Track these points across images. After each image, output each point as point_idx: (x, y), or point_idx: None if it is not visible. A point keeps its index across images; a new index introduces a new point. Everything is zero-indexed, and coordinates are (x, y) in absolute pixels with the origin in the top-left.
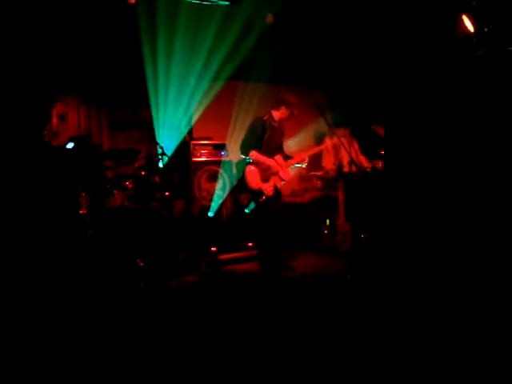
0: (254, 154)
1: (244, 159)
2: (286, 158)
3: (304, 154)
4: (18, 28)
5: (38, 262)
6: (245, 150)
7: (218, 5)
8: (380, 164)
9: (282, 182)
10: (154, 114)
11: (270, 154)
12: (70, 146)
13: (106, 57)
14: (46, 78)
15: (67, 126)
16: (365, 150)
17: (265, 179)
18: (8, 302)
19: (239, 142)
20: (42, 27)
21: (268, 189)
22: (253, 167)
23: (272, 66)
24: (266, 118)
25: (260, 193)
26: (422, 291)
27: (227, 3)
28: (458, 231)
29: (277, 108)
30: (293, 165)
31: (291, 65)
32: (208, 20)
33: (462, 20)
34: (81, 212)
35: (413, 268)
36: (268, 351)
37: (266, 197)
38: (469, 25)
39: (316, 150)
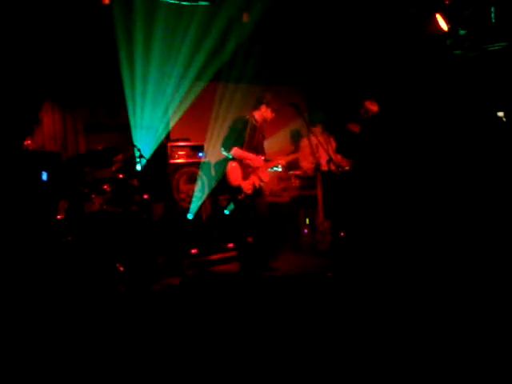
0: (236, 151)
1: (224, 159)
2: (266, 160)
3: (282, 159)
4: None
5: (15, 269)
6: (227, 146)
7: (198, 5)
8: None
9: (261, 183)
10: (131, 116)
11: (251, 151)
12: (44, 177)
13: (81, 58)
14: (32, 81)
15: (42, 130)
16: (341, 149)
17: (245, 177)
18: None
19: (218, 144)
20: (17, 30)
21: (247, 186)
22: (234, 164)
23: (251, 67)
24: (247, 117)
25: (239, 190)
26: (403, 287)
27: (207, 3)
28: (435, 225)
29: (258, 108)
30: (271, 168)
31: (270, 65)
32: (187, 21)
33: (436, 19)
34: (58, 217)
35: (393, 264)
36: (251, 352)
37: (245, 195)
38: (443, 24)
39: (294, 156)
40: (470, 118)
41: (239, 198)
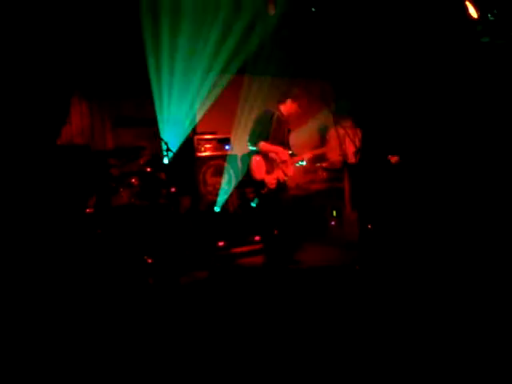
0: (262, 145)
1: (249, 152)
2: (291, 155)
3: (308, 154)
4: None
5: (45, 262)
6: (253, 140)
7: None
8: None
9: (286, 178)
10: (157, 109)
11: (276, 145)
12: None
13: (108, 52)
14: (62, 74)
15: (69, 125)
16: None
17: (269, 171)
18: (13, 301)
19: (244, 136)
20: (43, 23)
21: (271, 181)
22: (258, 158)
23: (277, 59)
24: (273, 110)
25: (263, 184)
26: (429, 282)
27: None
28: (464, 224)
29: (283, 102)
30: (296, 162)
31: (296, 57)
32: (213, 13)
33: (466, 6)
34: (87, 211)
35: (418, 258)
36: (276, 345)
37: (268, 189)
38: (472, 11)
39: (321, 150)
40: (496, 108)
41: (262, 192)
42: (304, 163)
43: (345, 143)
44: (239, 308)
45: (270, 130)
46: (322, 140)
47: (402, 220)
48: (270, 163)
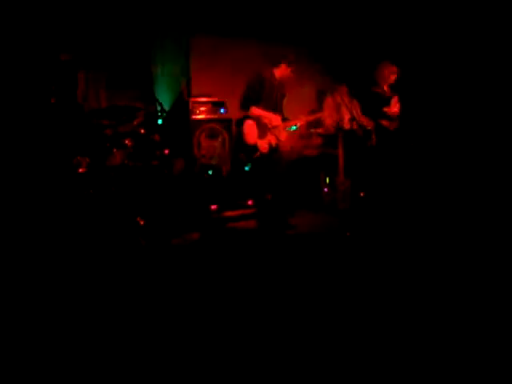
0: (254, 109)
1: (243, 117)
2: (284, 119)
3: (301, 119)
4: None
5: (36, 223)
6: (244, 105)
7: None
8: (385, 122)
9: (278, 142)
10: (152, 70)
11: (268, 109)
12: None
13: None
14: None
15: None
16: (366, 111)
17: (261, 136)
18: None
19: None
20: None
21: (263, 145)
22: (250, 121)
23: (276, 24)
24: (266, 74)
25: (255, 148)
26: (421, 251)
27: None
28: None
29: (278, 65)
30: (288, 127)
31: (291, 22)
32: None
33: None
34: (80, 171)
35: (411, 227)
36: (268, 314)
37: (261, 154)
38: None
39: (315, 115)
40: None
41: (255, 156)
42: (295, 128)
43: (341, 110)
44: (231, 272)
45: (261, 94)
46: (319, 106)
47: (394, 189)
48: (262, 128)
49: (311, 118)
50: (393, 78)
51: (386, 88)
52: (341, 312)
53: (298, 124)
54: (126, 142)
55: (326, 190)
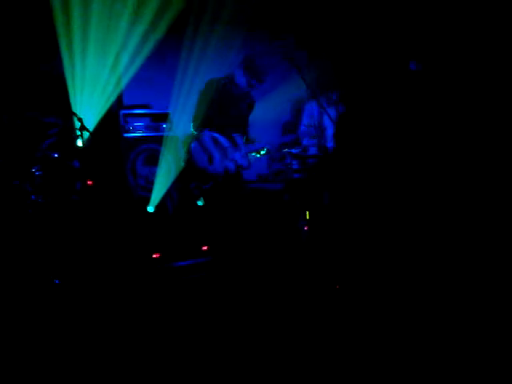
0: (207, 136)
1: (194, 134)
2: (248, 141)
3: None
4: None
5: None
6: (196, 124)
7: None
8: None
9: (239, 168)
10: (67, 69)
11: (226, 129)
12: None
13: None
14: None
15: None
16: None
17: (214, 160)
18: None
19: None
20: None
21: (217, 173)
22: (202, 142)
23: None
24: (223, 80)
25: (207, 176)
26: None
27: None
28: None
29: (239, 68)
30: (254, 153)
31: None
32: None
33: None
34: None
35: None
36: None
37: (215, 183)
38: None
39: (288, 135)
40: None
41: (205, 187)
42: (264, 153)
43: (322, 123)
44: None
45: (216, 107)
46: (295, 116)
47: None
48: (218, 150)
49: (285, 139)
50: None
51: None
52: None
53: (266, 149)
54: (33, 170)
55: (306, 227)
